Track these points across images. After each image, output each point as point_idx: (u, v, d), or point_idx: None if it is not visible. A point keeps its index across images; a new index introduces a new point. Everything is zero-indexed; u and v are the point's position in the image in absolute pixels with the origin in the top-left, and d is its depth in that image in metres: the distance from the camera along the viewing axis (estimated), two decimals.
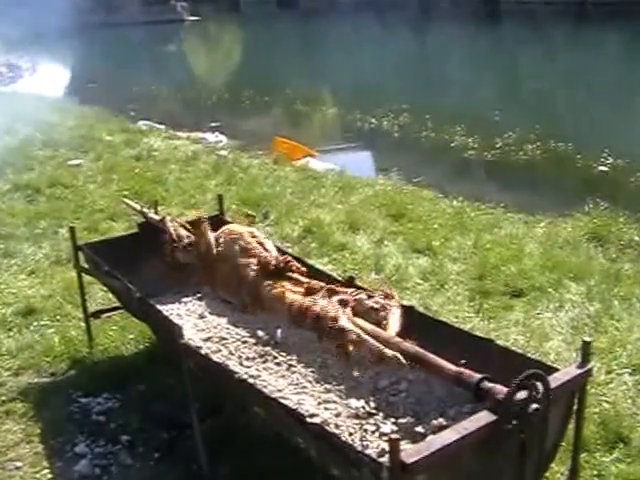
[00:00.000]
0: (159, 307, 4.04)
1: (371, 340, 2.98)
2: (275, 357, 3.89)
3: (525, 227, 6.90)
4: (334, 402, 3.41)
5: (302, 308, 3.15)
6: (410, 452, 2.39)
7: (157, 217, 4.56)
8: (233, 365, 3.74)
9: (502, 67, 23.35)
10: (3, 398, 4.25)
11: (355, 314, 3.32)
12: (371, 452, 2.89)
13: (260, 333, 4.10)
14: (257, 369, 3.79)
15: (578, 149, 12.22)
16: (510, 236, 6.53)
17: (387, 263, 5.91)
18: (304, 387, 3.57)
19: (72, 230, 4.58)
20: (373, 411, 3.30)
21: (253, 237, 3.94)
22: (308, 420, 2.83)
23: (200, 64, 25.20)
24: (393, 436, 2.41)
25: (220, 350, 3.98)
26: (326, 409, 3.34)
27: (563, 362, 4.01)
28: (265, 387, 3.46)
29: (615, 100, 16.75)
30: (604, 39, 26.62)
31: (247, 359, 3.90)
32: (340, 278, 3.96)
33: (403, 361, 2.83)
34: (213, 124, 14.59)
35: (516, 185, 10.65)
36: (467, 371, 2.76)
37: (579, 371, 2.83)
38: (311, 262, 4.54)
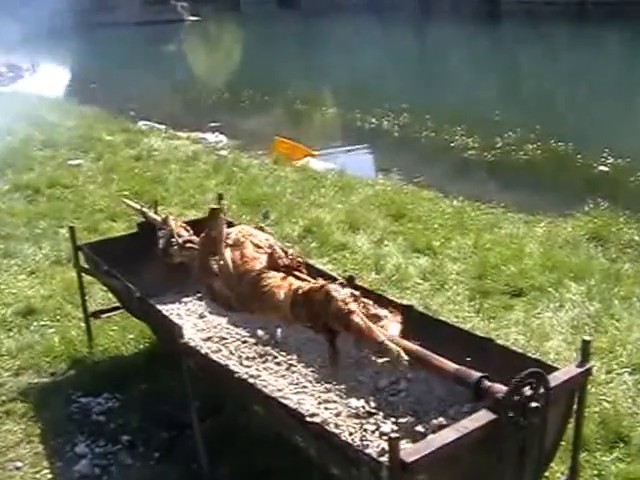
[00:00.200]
0: (159, 307, 4.04)
1: (376, 331, 2.94)
2: (275, 357, 3.90)
3: (525, 227, 6.89)
4: (334, 402, 3.42)
5: (311, 290, 3.08)
6: (410, 451, 2.39)
7: (158, 216, 4.55)
8: (233, 365, 3.75)
9: (502, 67, 23.36)
10: (3, 398, 4.24)
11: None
12: (371, 451, 2.89)
13: (260, 333, 4.11)
14: (257, 369, 3.80)
15: (578, 149, 12.22)
16: (510, 236, 6.53)
17: (387, 263, 5.91)
18: (304, 387, 3.58)
19: (72, 230, 4.58)
20: (373, 411, 3.31)
21: (267, 240, 3.90)
22: (308, 419, 2.83)
23: (200, 64, 25.17)
24: (393, 435, 2.41)
25: (220, 350, 3.99)
26: (326, 409, 3.35)
27: (563, 362, 4.00)
28: (265, 387, 3.46)
29: (615, 100, 16.75)
30: (604, 39, 26.63)
31: (247, 359, 3.92)
32: (340, 278, 3.95)
33: (404, 356, 2.82)
34: (213, 124, 14.60)
35: (516, 185, 10.64)
36: (467, 369, 2.76)
37: (579, 370, 2.82)
38: (311, 262, 4.53)
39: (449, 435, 2.47)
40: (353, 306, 2.96)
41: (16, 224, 7.07)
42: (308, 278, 3.59)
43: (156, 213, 4.58)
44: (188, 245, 4.03)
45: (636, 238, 6.44)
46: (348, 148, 13.27)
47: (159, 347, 4.50)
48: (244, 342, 4.09)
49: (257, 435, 3.60)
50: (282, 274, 3.37)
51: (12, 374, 4.50)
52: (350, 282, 3.73)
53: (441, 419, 3.03)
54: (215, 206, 4.06)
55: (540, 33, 29.91)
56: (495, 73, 22.29)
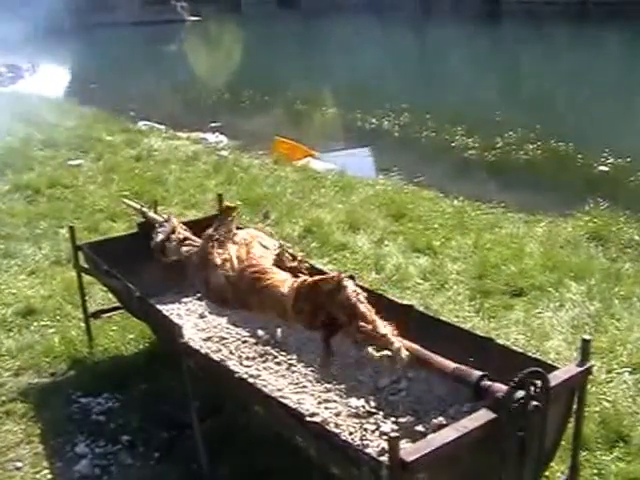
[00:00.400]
0: (159, 307, 4.04)
1: (380, 322, 2.94)
2: (275, 356, 3.90)
3: (525, 227, 6.89)
4: (334, 401, 3.42)
5: (322, 279, 3.07)
6: (409, 450, 2.39)
7: (159, 216, 4.54)
8: (233, 365, 3.75)
9: (503, 67, 23.36)
10: (3, 398, 4.24)
11: None
12: (371, 451, 2.89)
13: (260, 332, 4.11)
14: (257, 368, 3.80)
15: (579, 149, 12.22)
16: (510, 236, 6.53)
17: (387, 263, 5.90)
18: (304, 386, 3.58)
19: (72, 230, 4.57)
20: (373, 410, 3.31)
21: (274, 244, 3.88)
22: (308, 419, 2.83)
23: (201, 64, 25.17)
24: (393, 435, 2.41)
25: (220, 350, 3.99)
26: (326, 408, 3.35)
27: (563, 361, 4.00)
28: (265, 386, 3.46)
29: (615, 100, 16.75)
30: (605, 39, 26.63)
31: (247, 359, 3.91)
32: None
33: (404, 351, 2.82)
34: (213, 124, 14.61)
35: (516, 185, 10.64)
36: (467, 368, 2.76)
37: (579, 369, 2.82)
38: (312, 262, 4.53)
39: (449, 434, 2.47)
40: (362, 297, 2.98)
41: (16, 224, 7.06)
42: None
43: (156, 213, 4.59)
44: (187, 242, 4.04)
45: (636, 238, 6.43)
46: (348, 148, 13.26)
47: (159, 347, 4.50)
48: (244, 342, 4.09)
49: (257, 435, 3.60)
50: (287, 273, 3.38)
51: (12, 374, 4.50)
52: None
53: (441, 418, 3.03)
54: (231, 204, 4.10)
55: (540, 33, 29.93)
56: (495, 73, 22.30)
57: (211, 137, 12.75)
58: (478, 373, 2.70)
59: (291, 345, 3.94)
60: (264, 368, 3.80)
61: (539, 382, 2.59)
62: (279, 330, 4.02)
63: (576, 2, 36.51)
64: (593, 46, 25.35)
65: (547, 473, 3.17)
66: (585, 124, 14.87)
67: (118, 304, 4.64)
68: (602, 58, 23.10)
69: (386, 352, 2.84)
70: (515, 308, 5.11)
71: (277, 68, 24.14)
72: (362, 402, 3.36)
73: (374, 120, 15.28)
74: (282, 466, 3.36)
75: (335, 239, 6.45)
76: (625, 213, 7.07)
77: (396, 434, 2.47)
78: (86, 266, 4.58)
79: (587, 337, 2.90)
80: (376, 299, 3.20)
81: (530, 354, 3.32)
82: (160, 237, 4.16)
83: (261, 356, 3.93)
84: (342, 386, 3.51)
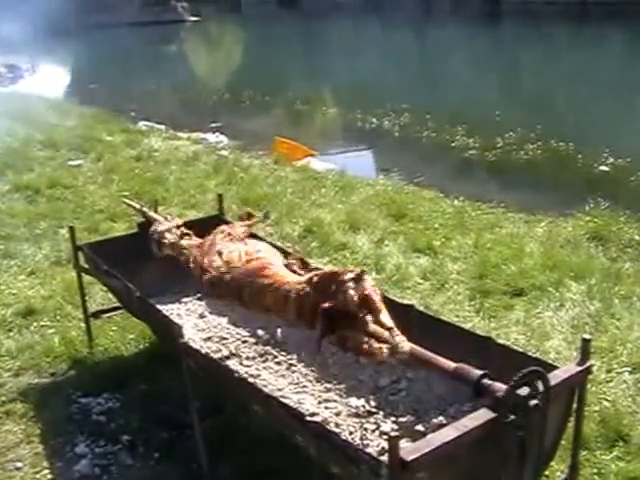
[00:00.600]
0: (159, 307, 4.04)
1: (385, 317, 2.93)
2: (275, 356, 3.90)
3: (526, 226, 6.90)
4: (334, 401, 3.42)
5: (340, 270, 3.07)
6: (409, 450, 2.38)
7: (159, 216, 4.55)
8: (233, 364, 3.74)
9: (503, 67, 23.36)
10: (3, 399, 4.24)
11: None
12: (371, 450, 2.89)
13: (260, 332, 4.10)
14: (257, 368, 3.80)
15: (579, 149, 12.22)
16: (511, 235, 6.53)
17: (388, 263, 5.91)
18: (304, 386, 3.58)
19: (72, 230, 4.57)
20: (373, 410, 3.31)
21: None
22: (308, 419, 2.83)
23: (201, 64, 25.19)
24: (393, 434, 2.41)
25: (220, 350, 3.99)
26: (326, 408, 3.35)
27: (563, 361, 4.00)
28: (265, 386, 3.46)
29: (616, 100, 16.74)
30: (605, 39, 26.63)
31: (247, 358, 3.91)
32: None
33: (405, 347, 2.82)
34: (214, 124, 14.61)
35: (517, 185, 10.64)
36: (467, 367, 2.76)
37: (579, 369, 2.82)
38: (312, 262, 4.53)
39: (449, 434, 2.47)
40: (378, 291, 3.00)
41: (16, 225, 7.07)
42: None
43: (156, 213, 4.59)
44: (187, 238, 4.08)
45: (636, 237, 6.44)
46: (349, 148, 13.27)
47: (159, 347, 4.50)
48: (244, 342, 4.08)
49: (257, 435, 3.60)
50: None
51: (12, 374, 4.50)
52: None
53: (441, 418, 3.03)
54: (253, 212, 4.27)
55: (540, 33, 29.94)
56: (496, 73, 22.30)
57: (211, 137, 12.76)
58: (479, 372, 2.69)
59: (291, 345, 3.93)
60: (264, 368, 3.80)
61: (539, 381, 2.59)
62: (279, 330, 4.02)
63: (576, 2, 36.51)
64: (593, 46, 25.36)
65: (547, 472, 3.18)
66: (585, 124, 14.87)
67: (118, 304, 4.64)
68: (602, 58, 23.10)
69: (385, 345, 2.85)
70: (515, 308, 5.11)
71: (277, 68, 24.13)
72: (362, 402, 3.36)
73: (374, 120, 15.28)
74: (282, 466, 3.36)
75: (335, 239, 6.45)
76: (625, 213, 7.08)
77: (396, 433, 2.47)
78: (86, 266, 4.58)
79: (587, 337, 2.90)
80: None
81: (530, 353, 3.32)
82: (162, 227, 4.19)
83: (261, 356, 3.93)
84: (342, 386, 3.51)
